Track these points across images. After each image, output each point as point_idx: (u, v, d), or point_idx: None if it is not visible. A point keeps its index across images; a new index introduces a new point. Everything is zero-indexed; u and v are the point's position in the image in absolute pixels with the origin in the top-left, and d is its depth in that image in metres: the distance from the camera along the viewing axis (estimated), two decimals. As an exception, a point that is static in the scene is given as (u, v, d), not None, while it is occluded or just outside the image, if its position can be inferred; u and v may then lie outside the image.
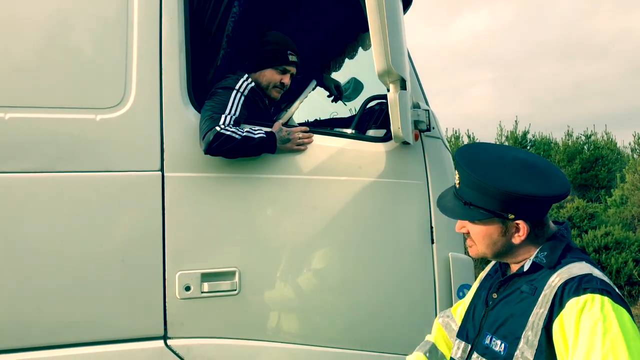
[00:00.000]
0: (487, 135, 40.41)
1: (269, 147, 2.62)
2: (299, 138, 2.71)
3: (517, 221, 1.67)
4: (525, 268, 1.71)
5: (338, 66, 4.09)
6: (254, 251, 2.60)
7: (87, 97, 2.44)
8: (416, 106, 2.82)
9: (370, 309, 2.74)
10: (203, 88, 2.75)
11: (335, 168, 2.74)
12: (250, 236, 2.60)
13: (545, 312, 1.54)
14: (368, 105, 3.07)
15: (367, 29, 2.49)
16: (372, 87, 3.45)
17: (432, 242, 2.84)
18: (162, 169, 2.49)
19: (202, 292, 2.48)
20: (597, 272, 1.57)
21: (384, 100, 2.94)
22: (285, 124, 2.80)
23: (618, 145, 20.15)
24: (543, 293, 1.58)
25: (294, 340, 2.63)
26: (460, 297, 2.89)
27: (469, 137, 19.94)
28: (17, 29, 2.40)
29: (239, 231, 2.59)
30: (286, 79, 2.98)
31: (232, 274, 2.54)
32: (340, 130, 2.97)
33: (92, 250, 2.39)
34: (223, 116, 2.55)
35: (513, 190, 1.60)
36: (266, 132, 2.62)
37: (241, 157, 2.58)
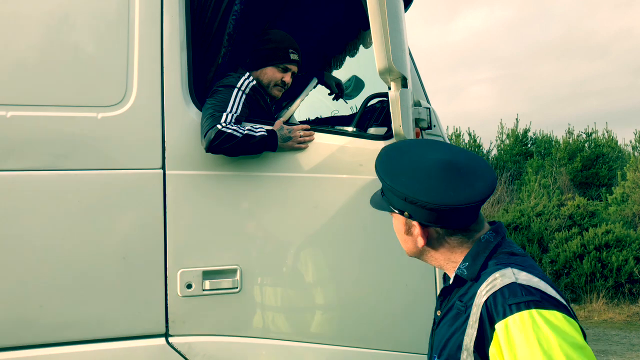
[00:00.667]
0: (487, 132, 40.40)
1: (270, 145, 2.62)
2: (300, 136, 2.71)
3: (414, 222, 1.57)
4: (451, 281, 1.61)
5: (339, 64, 4.09)
6: (256, 249, 2.61)
7: (89, 95, 2.44)
8: (417, 104, 2.82)
9: (371, 306, 2.75)
10: (204, 86, 2.75)
11: (336, 166, 2.74)
12: (252, 234, 2.61)
13: (475, 332, 1.43)
14: (369, 103, 3.07)
15: (368, 27, 2.49)
16: (373, 85, 3.45)
17: (433, 240, 2.84)
18: (163, 167, 2.49)
19: (203, 290, 2.49)
20: (522, 276, 1.44)
21: (385, 98, 2.94)
22: (287, 122, 2.81)
23: (619, 143, 20.15)
24: (472, 311, 1.46)
25: (296, 338, 2.63)
26: (461, 295, 2.89)
27: (469, 135, 19.95)
28: (19, 27, 2.40)
29: (241, 229, 2.59)
30: (287, 78, 2.98)
31: (234, 271, 2.54)
32: (342, 128, 2.97)
33: (94, 247, 2.39)
34: (224, 114, 2.55)
35: (407, 194, 1.51)
36: (267, 130, 2.63)
37: (242, 155, 2.58)
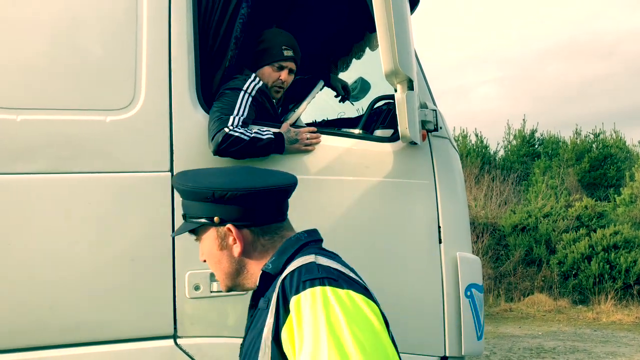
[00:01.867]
0: (494, 133, 40.25)
1: (277, 147, 2.63)
2: (307, 138, 2.72)
3: (228, 225, 1.48)
4: (257, 282, 1.49)
5: (345, 66, 4.10)
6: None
7: (97, 98, 2.46)
8: (423, 106, 2.83)
9: (378, 308, 2.75)
10: (212, 89, 2.77)
11: (342, 168, 2.75)
12: (259, 236, 2.61)
13: (272, 320, 1.31)
14: (375, 106, 3.07)
15: (374, 29, 2.50)
16: (379, 87, 3.46)
17: (440, 242, 2.85)
18: (171, 170, 2.51)
19: (211, 292, 2.50)
20: (322, 260, 1.38)
21: (391, 100, 2.95)
22: (293, 125, 2.82)
23: (627, 144, 20.05)
24: (272, 300, 1.35)
25: (303, 339, 2.64)
26: (468, 297, 2.89)
27: (476, 135, 19.91)
28: (27, 31, 2.43)
29: (248, 231, 2.60)
30: (284, 75, 2.92)
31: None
32: (348, 130, 2.98)
33: (103, 250, 2.41)
34: (231, 117, 2.57)
35: (214, 187, 1.45)
36: (274, 133, 2.64)
37: (250, 158, 2.60)
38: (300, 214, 2.68)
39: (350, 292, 1.29)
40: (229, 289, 1.58)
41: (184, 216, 1.58)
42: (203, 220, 1.50)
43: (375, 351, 1.22)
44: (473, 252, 2.93)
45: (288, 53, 2.91)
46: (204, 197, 1.47)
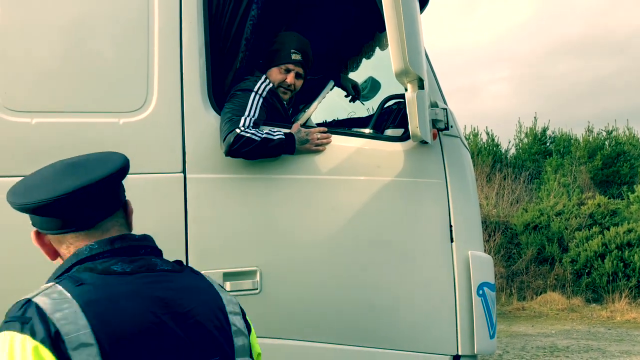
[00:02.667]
0: (505, 132, 40.00)
1: (288, 148, 2.64)
2: (318, 139, 2.73)
3: (38, 231, 1.41)
4: None
5: (355, 66, 4.10)
6: (275, 251, 2.63)
7: (110, 101, 2.49)
8: (434, 105, 2.83)
9: (391, 306, 2.76)
10: (223, 90, 2.78)
11: (353, 168, 2.76)
12: (271, 236, 2.63)
13: None
14: (386, 105, 3.08)
15: (384, 29, 2.50)
16: (389, 86, 3.46)
17: (452, 241, 2.85)
18: (184, 171, 2.53)
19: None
20: (41, 293, 1.22)
21: (401, 100, 2.95)
22: (304, 125, 2.83)
23: (640, 141, 19.84)
24: None
25: (315, 338, 2.65)
26: (480, 296, 2.89)
27: (487, 134, 19.81)
28: (41, 36, 2.46)
29: (260, 231, 2.62)
30: (290, 78, 2.92)
31: (254, 273, 2.57)
32: (358, 130, 2.99)
33: (117, 251, 2.43)
34: (242, 118, 2.58)
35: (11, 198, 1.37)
36: (285, 134, 2.65)
37: (261, 158, 2.61)
38: (311, 215, 2.70)
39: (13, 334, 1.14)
40: None
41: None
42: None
43: None
44: (485, 250, 2.93)
45: (296, 57, 2.92)
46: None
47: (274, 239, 2.64)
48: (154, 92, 2.53)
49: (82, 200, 1.32)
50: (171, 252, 2.48)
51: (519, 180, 16.90)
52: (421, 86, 2.61)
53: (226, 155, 2.53)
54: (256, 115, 2.65)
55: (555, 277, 12.05)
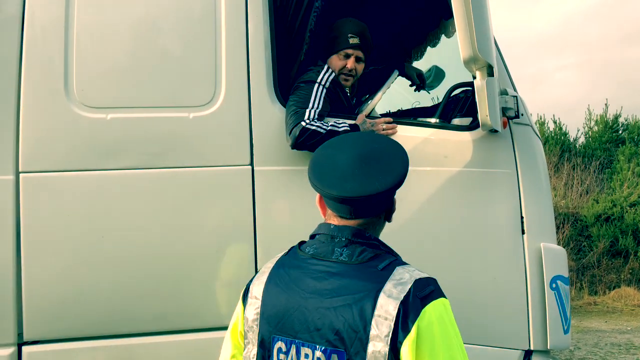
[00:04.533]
0: (574, 120, 38.42)
1: (353, 139, 2.62)
2: (383, 129, 2.71)
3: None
4: None
5: (420, 55, 4.04)
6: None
7: (181, 96, 2.56)
8: (504, 92, 2.74)
9: (459, 301, 2.70)
10: (288, 83, 2.80)
11: (420, 158, 2.71)
12: (337, 227, 2.63)
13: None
14: (452, 94, 3.01)
15: (449, 16, 2.45)
16: (454, 75, 3.38)
17: (523, 233, 2.76)
18: (251, 163, 2.57)
19: (291, 282, 2.54)
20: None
21: (468, 88, 2.88)
22: (368, 116, 2.81)
23: None
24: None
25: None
26: (553, 289, 2.79)
27: (554, 122, 19.08)
28: (113, 35, 2.56)
29: (326, 222, 2.62)
30: (350, 64, 2.88)
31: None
32: (425, 119, 2.94)
33: (189, 241, 2.51)
34: (307, 110, 2.59)
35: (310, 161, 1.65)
36: (350, 125, 2.64)
37: (327, 150, 2.61)
38: (378, 205, 2.68)
39: None
40: None
41: None
42: None
43: None
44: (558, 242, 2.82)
45: (354, 41, 2.88)
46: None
47: (341, 230, 2.63)
48: (222, 86, 2.58)
49: (364, 200, 1.52)
50: (240, 243, 2.54)
51: (588, 170, 16.20)
52: (490, 73, 2.53)
53: (292, 148, 2.55)
54: (320, 106, 2.65)
55: (630, 271, 11.51)
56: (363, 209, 1.56)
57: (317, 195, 1.66)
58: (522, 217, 2.77)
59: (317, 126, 2.54)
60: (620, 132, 19.34)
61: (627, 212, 12.54)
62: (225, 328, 2.56)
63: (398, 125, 2.75)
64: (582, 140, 19.38)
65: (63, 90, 2.49)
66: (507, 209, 2.76)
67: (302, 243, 1.66)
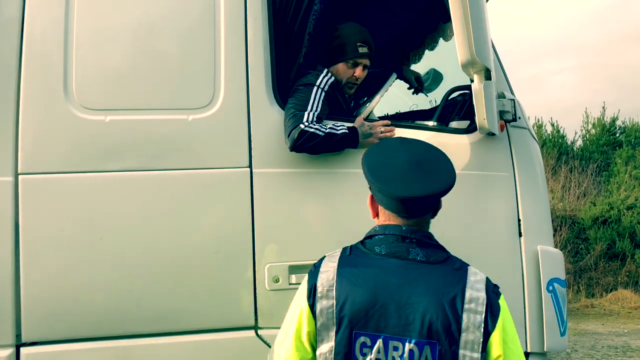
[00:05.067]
0: (571, 123, 38.50)
1: (351, 142, 2.64)
2: (381, 132, 2.72)
3: (370, 194, 1.80)
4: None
5: (417, 58, 4.05)
6: (339, 244, 2.61)
7: (179, 98, 2.57)
8: (501, 96, 2.76)
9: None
10: (287, 85, 2.81)
11: (418, 161, 2.72)
12: (335, 229, 2.64)
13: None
14: (450, 97, 3.02)
15: (448, 19, 2.46)
16: (452, 78, 3.40)
17: (520, 235, 2.77)
18: (250, 165, 2.58)
19: (289, 284, 2.55)
20: (330, 253, 1.75)
21: (466, 91, 2.89)
22: (367, 118, 2.82)
23: None
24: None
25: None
26: (550, 292, 2.80)
27: (552, 125, 19.12)
28: (113, 38, 2.56)
29: (325, 224, 2.64)
30: (358, 72, 2.92)
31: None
32: (423, 122, 2.95)
33: (187, 243, 2.51)
34: (306, 113, 2.60)
35: (363, 163, 1.77)
36: (348, 128, 2.65)
37: (325, 153, 2.62)
38: (376, 208, 2.69)
39: None
40: None
41: None
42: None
43: None
44: (555, 245, 2.83)
45: (363, 50, 2.91)
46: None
47: (339, 232, 2.64)
48: (220, 88, 2.59)
49: (426, 199, 1.68)
50: (239, 244, 2.55)
51: (586, 172, 16.24)
52: (488, 77, 2.55)
53: (291, 150, 2.56)
54: (319, 109, 2.67)
55: (627, 273, 11.53)
56: (423, 208, 1.72)
57: (369, 197, 1.82)
58: (519, 220, 2.78)
59: (316, 129, 2.55)
60: (617, 135, 19.37)
61: (624, 214, 12.57)
62: (223, 330, 2.58)
63: (396, 128, 2.76)
64: (579, 143, 19.41)
65: (62, 92, 2.50)
66: (504, 211, 2.77)
67: (360, 243, 1.76)
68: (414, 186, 1.67)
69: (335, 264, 1.67)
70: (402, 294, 1.57)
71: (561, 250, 12.12)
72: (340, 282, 1.62)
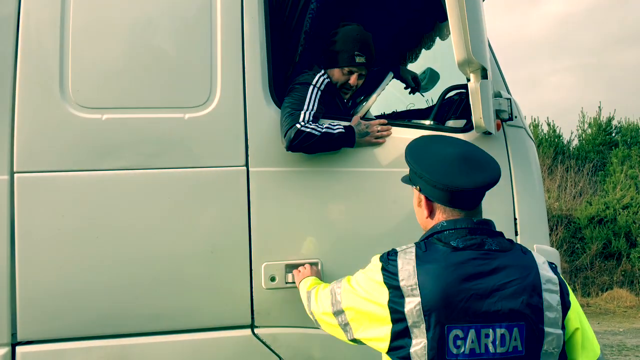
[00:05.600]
0: (567, 122, 38.59)
1: (348, 141, 2.64)
2: (378, 131, 2.72)
3: (422, 195, 1.82)
4: None
5: (414, 57, 4.05)
6: (336, 243, 2.64)
7: (176, 97, 2.56)
8: (497, 95, 2.76)
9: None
10: (283, 84, 2.81)
11: (414, 160, 2.72)
12: (332, 228, 2.65)
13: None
14: (447, 96, 3.02)
15: (444, 19, 2.47)
16: (448, 77, 3.40)
17: (516, 234, 2.78)
18: (247, 164, 2.58)
19: (286, 283, 2.55)
20: (401, 248, 1.75)
21: (463, 90, 2.89)
22: (363, 118, 2.82)
23: None
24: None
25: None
26: (546, 290, 2.81)
27: (548, 125, 19.15)
28: (109, 35, 2.56)
29: (321, 223, 2.64)
30: (353, 80, 2.91)
31: (315, 265, 2.59)
32: (419, 121, 2.95)
33: (184, 242, 2.51)
34: (302, 112, 2.60)
35: (412, 162, 1.83)
36: (345, 127, 2.65)
37: (321, 152, 2.62)
38: (372, 207, 2.69)
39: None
40: None
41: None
42: (408, 179, 1.94)
43: None
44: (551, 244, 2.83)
45: (360, 60, 2.88)
46: (416, 172, 1.84)
47: (335, 231, 2.65)
48: (217, 87, 2.58)
49: (484, 189, 1.75)
50: (235, 243, 2.55)
51: (582, 172, 16.27)
52: (484, 76, 2.55)
53: (287, 149, 2.56)
54: (315, 108, 2.67)
55: (623, 273, 11.57)
56: (478, 199, 1.80)
57: (416, 198, 1.87)
58: (515, 219, 2.79)
59: (312, 128, 2.55)
60: (613, 134, 19.42)
61: (620, 214, 12.60)
62: (219, 328, 2.58)
63: (392, 127, 2.76)
64: (575, 142, 19.45)
65: (58, 91, 2.49)
66: (501, 210, 2.77)
67: (434, 239, 1.76)
68: (474, 177, 1.73)
69: (413, 261, 1.69)
70: (487, 284, 1.63)
71: (557, 249, 12.13)
72: (425, 280, 1.63)
